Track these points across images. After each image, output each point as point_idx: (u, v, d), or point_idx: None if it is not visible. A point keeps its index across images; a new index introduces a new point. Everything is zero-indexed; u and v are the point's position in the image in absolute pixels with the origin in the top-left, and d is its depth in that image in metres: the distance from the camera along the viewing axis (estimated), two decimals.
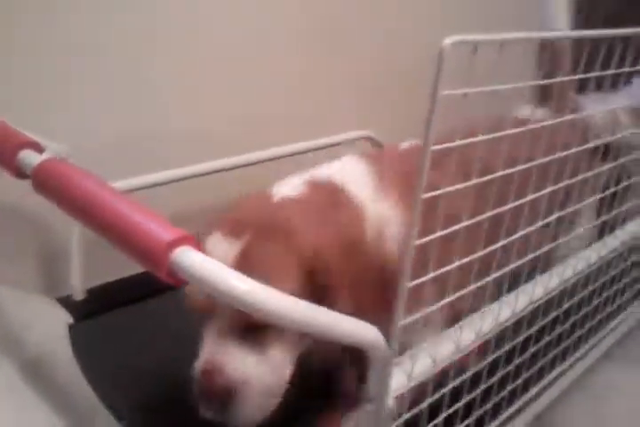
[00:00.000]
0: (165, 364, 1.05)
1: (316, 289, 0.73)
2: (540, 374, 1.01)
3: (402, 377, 0.66)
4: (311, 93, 1.64)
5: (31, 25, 1.13)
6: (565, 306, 0.99)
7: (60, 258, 1.28)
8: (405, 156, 0.98)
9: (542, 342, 0.97)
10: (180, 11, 1.33)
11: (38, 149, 0.82)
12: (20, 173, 0.80)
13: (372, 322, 0.60)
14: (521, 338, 0.90)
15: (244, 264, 0.71)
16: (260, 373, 0.72)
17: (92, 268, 1.21)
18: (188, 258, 0.51)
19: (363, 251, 0.79)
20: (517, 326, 0.87)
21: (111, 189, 0.61)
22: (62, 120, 1.19)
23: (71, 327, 1.14)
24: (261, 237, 0.74)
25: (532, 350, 0.93)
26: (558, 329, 1.00)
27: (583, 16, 1.52)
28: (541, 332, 0.96)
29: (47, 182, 0.70)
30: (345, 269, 0.75)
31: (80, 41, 1.20)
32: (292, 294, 0.58)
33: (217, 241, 0.75)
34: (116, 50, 1.26)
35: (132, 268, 1.07)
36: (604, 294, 1.15)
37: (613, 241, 1.06)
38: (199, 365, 0.73)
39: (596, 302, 1.11)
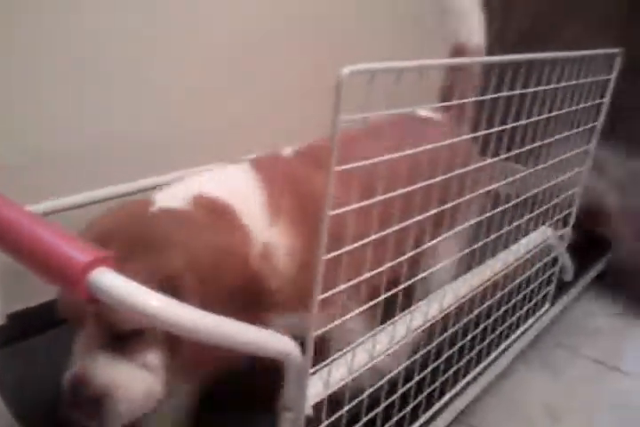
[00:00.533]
0: None
1: None
2: (456, 378, 1.06)
3: (319, 385, 0.69)
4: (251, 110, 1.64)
5: None
6: (475, 312, 1.05)
7: None
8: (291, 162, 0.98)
9: (456, 347, 1.02)
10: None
11: None
12: None
13: None
14: (434, 343, 0.95)
15: None
16: (128, 380, 0.72)
17: (10, 292, 1.19)
18: (106, 279, 0.52)
19: (237, 271, 0.78)
20: (431, 332, 0.92)
21: (23, 210, 0.62)
22: None
23: None
24: (128, 255, 0.70)
25: (446, 354, 0.99)
26: (471, 334, 1.05)
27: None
28: (454, 337, 1.01)
29: None
30: (210, 291, 0.73)
31: None
32: None
33: None
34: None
35: (53, 291, 1.08)
36: (513, 300, 1.22)
37: (518, 249, 1.14)
38: (68, 375, 0.74)
39: (504, 307, 1.18)
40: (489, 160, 0.97)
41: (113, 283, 0.52)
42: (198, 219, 0.80)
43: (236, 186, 0.88)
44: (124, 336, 0.72)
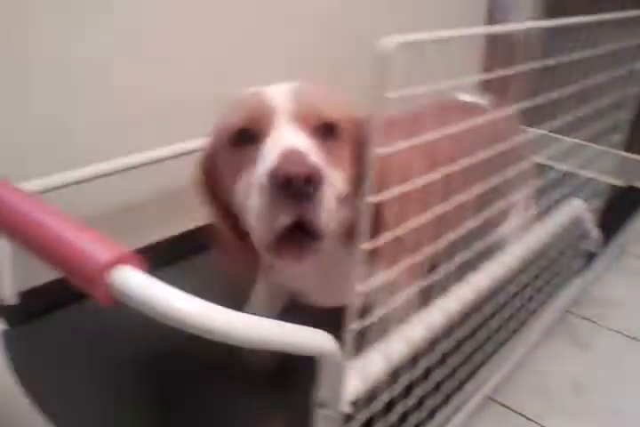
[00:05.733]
0: (107, 366, 1.02)
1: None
2: (489, 356, 1.02)
3: (356, 381, 0.65)
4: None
5: None
6: (511, 289, 1.00)
7: None
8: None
9: (490, 326, 0.98)
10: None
11: None
12: None
13: None
14: (469, 326, 0.91)
15: (303, 89, 0.75)
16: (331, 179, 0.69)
17: (22, 270, 1.15)
18: (128, 279, 0.47)
19: None
20: (465, 315, 0.88)
21: (41, 203, 0.57)
22: None
23: (5, 334, 1.08)
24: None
25: (480, 335, 0.95)
26: (506, 312, 1.01)
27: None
28: (487, 317, 0.97)
29: None
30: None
31: None
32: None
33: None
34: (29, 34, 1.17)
35: None
36: (543, 274, 1.18)
37: (552, 222, 1.08)
38: (276, 152, 0.66)
39: (537, 282, 1.13)
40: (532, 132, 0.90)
41: (137, 283, 0.47)
42: None
43: None
44: (327, 129, 0.72)
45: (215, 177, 0.80)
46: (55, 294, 1.19)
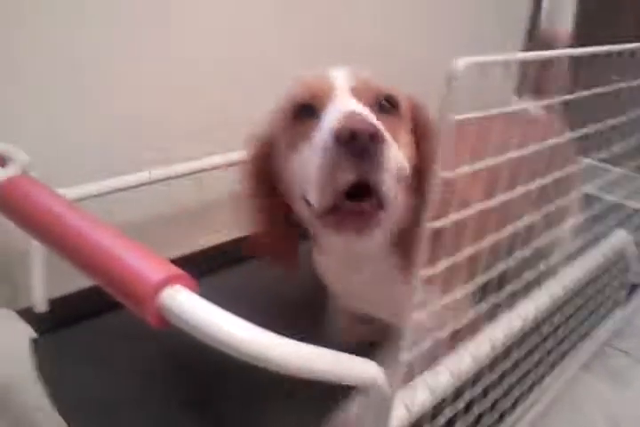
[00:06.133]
0: (135, 378, 1.01)
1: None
2: (530, 390, 0.99)
3: (402, 411, 0.62)
4: None
5: None
6: (555, 321, 0.97)
7: (17, 265, 1.20)
8: None
9: (532, 359, 0.94)
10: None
11: None
12: None
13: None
14: (512, 358, 0.87)
15: (364, 76, 0.76)
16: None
17: (52, 277, 1.14)
18: (180, 300, 0.45)
19: None
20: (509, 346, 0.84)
21: (89, 216, 0.55)
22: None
23: (34, 342, 1.07)
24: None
25: (522, 368, 0.91)
26: (548, 344, 0.97)
27: None
28: (530, 349, 0.93)
29: (12, 203, 0.63)
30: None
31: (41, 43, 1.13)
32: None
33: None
34: (79, 51, 1.18)
35: None
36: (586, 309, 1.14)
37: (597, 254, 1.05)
38: (339, 114, 0.66)
39: (580, 314, 1.09)
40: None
41: (188, 304, 0.45)
42: None
43: None
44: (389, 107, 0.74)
45: (269, 158, 0.81)
46: (85, 302, 1.18)
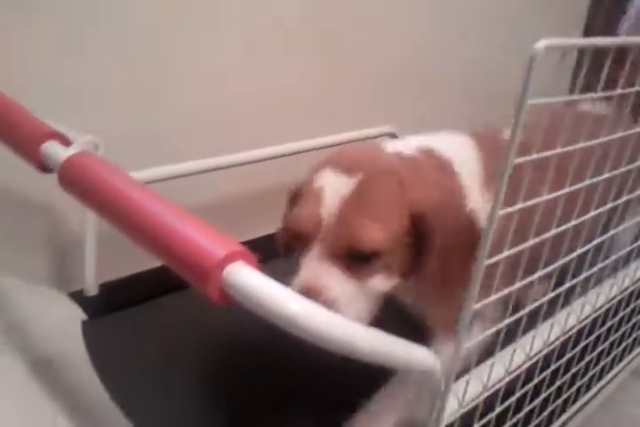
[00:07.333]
0: (181, 362, 1.02)
1: (417, 236, 0.76)
2: (577, 394, 0.96)
3: (453, 404, 0.61)
4: (336, 89, 1.60)
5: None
6: (608, 324, 0.94)
7: (71, 250, 1.23)
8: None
9: (583, 362, 0.92)
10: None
11: (64, 141, 0.76)
12: (43, 166, 0.75)
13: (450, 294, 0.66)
14: (565, 358, 0.85)
15: (357, 200, 0.74)
16: (354, 299, 0.74)
17: (104, 261, 1.16)
18: (242, 276, 0.45)
19: (461, 215, 0.81)
20: (562, 346, 0.82)
21: (152, 193, 0.56)
22: (83, 111, 1.15)
23: (85, 324, 1.09)
24: (375, 179, 0.76)
25: (573, 370, 0.89)
26: (599, 348, 0.95)
27: None
28: (583, 351, 0.91)
29: (76, 180, 0.64)
30: (444, 224, 0.76)
31: (102, 28, 1.15)
32: (396, 234, 0.73)
33: (331, 176, 0.77)
34: (140, 38, 1.21)
35: (146, 262, 1.04)
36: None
37: None
38: (298, 282, 0.74)
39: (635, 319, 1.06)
40: None
41: (250, 280, 0.45)
42: (428, 164, 0.84)
43: (457, 150, 0.90)
44: (359, 257, 0.74)
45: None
46: (133, 288, 1.20)
